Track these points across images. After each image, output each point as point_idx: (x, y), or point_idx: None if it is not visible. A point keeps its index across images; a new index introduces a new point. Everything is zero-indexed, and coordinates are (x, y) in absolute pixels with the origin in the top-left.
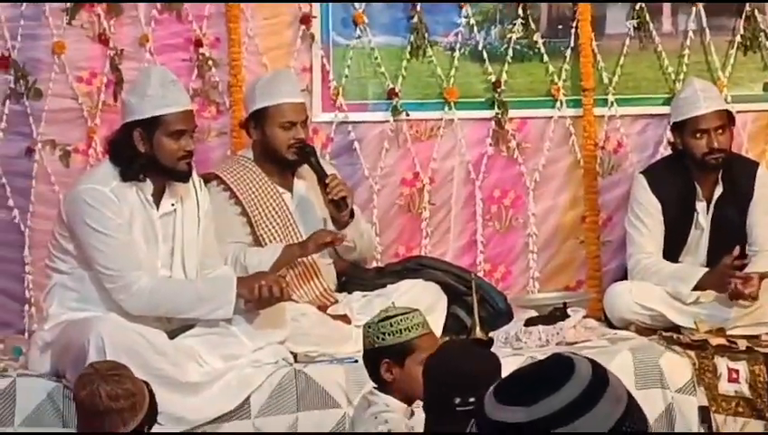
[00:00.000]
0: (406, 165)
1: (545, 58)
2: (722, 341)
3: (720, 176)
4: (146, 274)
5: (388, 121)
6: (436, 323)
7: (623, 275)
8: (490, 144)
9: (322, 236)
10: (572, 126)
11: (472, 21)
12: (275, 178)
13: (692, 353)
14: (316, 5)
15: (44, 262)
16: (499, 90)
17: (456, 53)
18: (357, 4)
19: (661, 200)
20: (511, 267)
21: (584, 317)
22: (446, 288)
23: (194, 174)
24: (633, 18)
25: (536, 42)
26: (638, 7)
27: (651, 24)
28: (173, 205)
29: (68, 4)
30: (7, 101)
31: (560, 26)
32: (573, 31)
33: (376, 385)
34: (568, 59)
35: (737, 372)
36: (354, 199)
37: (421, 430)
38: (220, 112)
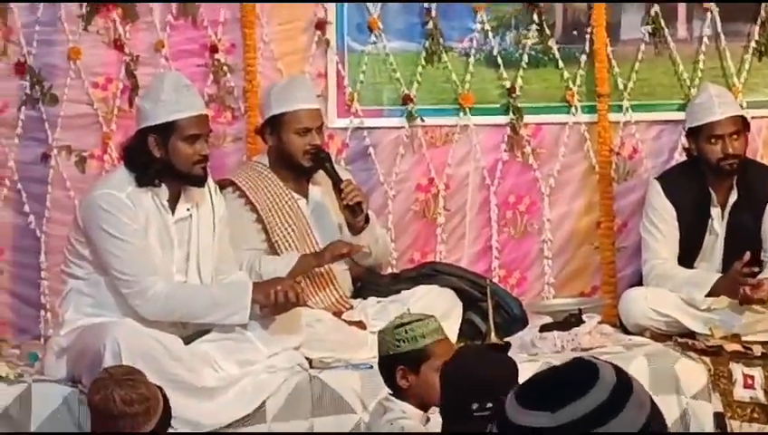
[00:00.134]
0: (421, 171)
1: (560, 64)
2: (737, 347)
3: (735, 182)
4: (161, 279)
5: (403, 127)
6: (452, 330)
7: (638, 281)
8: (505, 150)
9: (339, 247)
10: (587, 132)
11: (487, 26)
12: (291, 184)
13: (707, 359)
14: (331, 11)
15: (60, 267)
16: (514, 95)
17: (471, 59)
18: (372, 10)
19: (676, 206)
20: (526, 273)
21: (599, 323)
22: (460, 294)
23: (209, 179)
24: (648, 24)
25: (551, 47)
26: (653, 13)
27: (666, 30)
28: (188, 210)
29: (84, 10)
30: (23, 107)
31: (575, 32)
32: (588, 36)
33: (391, 391)
34: (583, 65)
35: (752, 378)
36: (369, 205)
37: None
38: (235, 118)
